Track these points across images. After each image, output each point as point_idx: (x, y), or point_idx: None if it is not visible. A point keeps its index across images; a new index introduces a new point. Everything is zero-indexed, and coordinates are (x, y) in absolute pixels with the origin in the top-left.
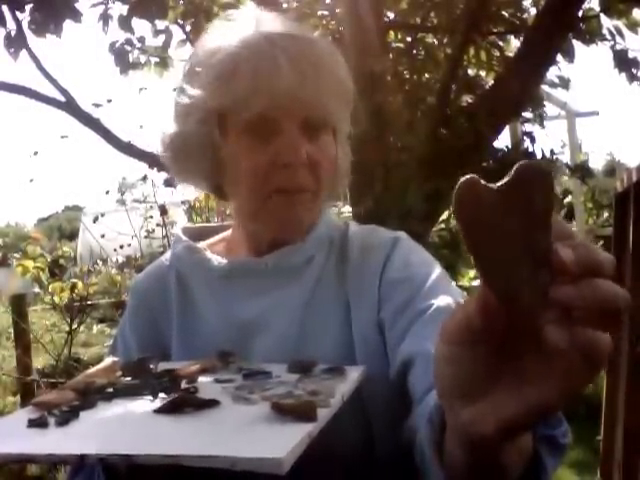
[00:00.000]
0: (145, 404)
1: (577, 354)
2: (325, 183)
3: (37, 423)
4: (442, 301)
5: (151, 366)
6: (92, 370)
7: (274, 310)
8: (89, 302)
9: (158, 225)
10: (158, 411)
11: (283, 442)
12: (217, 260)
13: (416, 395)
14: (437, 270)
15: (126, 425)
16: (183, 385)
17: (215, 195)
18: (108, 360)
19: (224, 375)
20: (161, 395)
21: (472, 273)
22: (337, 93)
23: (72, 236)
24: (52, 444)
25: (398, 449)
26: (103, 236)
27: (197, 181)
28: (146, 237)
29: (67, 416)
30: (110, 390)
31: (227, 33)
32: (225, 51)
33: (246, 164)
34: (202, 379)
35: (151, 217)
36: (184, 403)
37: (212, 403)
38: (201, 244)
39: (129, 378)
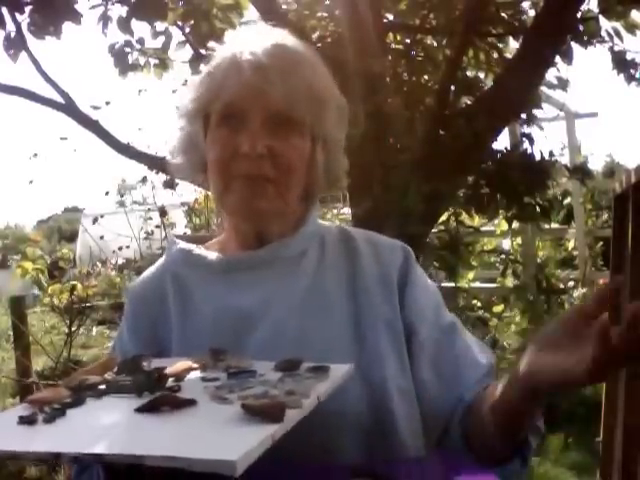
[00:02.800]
0: (130, 402)
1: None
2: (292, 177)
3: (26, 420)
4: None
5: (144, 364)
6: (89, 367)
7: (272, 300)
8: (88, 304)
9: (157, 227)
10: (138, 410)
11: (242, 444)
12: (213, 257)
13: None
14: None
15: (106, 424)
16: (169, 383)
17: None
18: (105, 357)
19: (211, 374)
20: (146, 393)
21: (471, 275)
22: (308, 97)
23: (71, 238)
24: (34, 442)
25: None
26: (102, 238)
27: (192, 176)
28: (145, 239)
29: (54, 414)
30: (102, 387)
31: (220, 52)
32: (211, 63)
33: (214, 153)
34: (189, 377)
35: (150, 219)
36: (163, 402)
37: (189, 403)
38: (196, 246)
39: (123, 375)
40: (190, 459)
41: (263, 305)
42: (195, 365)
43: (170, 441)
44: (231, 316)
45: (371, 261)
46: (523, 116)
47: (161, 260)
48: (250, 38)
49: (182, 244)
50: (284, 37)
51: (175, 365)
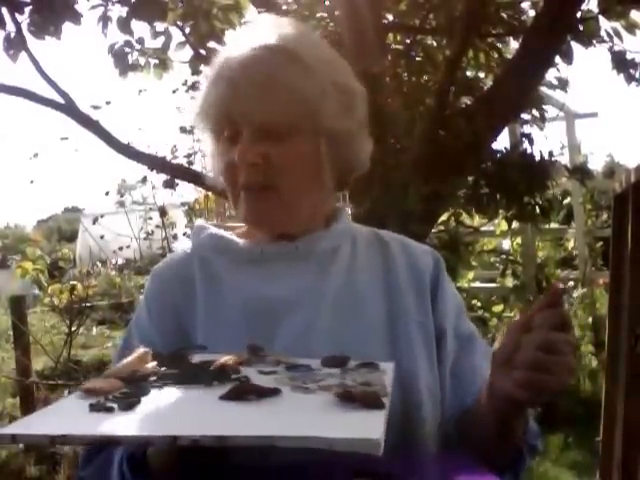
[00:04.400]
0: (200, 392)
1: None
2: (294, 181)
3: (100, 408)
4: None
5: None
6: (128, 360)
7: (305, 294)
8: (88, 304)
9: (157, 227)
10: (222, 398)
11: (371, 425)
12: (245, 244)
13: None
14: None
15: (198, 410)
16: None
17: None
18: (140, 350)
19: (265, 367)
20: (215, 384)
21: (470, 274)
22: (297, 100)
23: (71, 238)
24: (137, 427)
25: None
26: (102, 237)
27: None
28: (145, 239)
29: (130, 402)
30: (154, 378)
31: (219, 56)
32: (210, 75)
33: (221, 164)
34: (245, 371)
35: (150, 219)
36: (247, 391)
37: (274, 391)
38: (227, 232)
39: (164, 368)
40: (332, 439)
41: (296, 298)
42: (241, 359)
43: (292, 423)
44: (262, 307)
45: (403, 262)
46: (524, 116)
47: (186, 245)
48: (235, 48)
49: (213, 229)
50: (272, 34)
51: (222, 358)
